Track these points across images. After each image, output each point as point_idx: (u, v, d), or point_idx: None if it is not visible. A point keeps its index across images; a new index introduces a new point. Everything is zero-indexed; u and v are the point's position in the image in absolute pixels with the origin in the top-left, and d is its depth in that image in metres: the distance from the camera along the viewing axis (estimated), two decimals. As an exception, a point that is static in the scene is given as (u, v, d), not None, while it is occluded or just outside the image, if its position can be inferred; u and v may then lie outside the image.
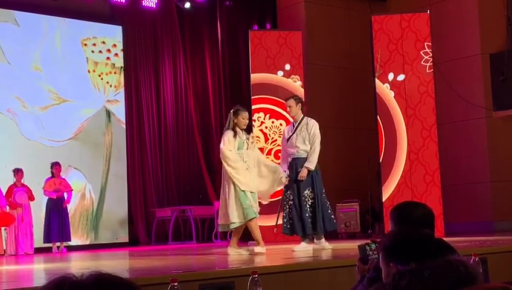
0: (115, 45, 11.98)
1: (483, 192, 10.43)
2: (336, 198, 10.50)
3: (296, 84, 10.22)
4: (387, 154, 9.24)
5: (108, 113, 11.79)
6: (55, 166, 10.22)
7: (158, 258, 6.97)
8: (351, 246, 5.69)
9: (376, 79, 9.39)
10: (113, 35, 11.93)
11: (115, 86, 11.90)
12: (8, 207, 9.84)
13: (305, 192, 7.12)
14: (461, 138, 10.66)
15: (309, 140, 7.20)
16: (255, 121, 10.12)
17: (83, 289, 1.01)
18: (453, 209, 9.79)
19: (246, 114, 6.90)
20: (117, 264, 6.83)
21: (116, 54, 11.99)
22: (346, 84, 11.38)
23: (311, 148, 7.18)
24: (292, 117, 7.47)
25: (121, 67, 11.97)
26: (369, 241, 2.99)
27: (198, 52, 11.83)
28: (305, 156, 7.16)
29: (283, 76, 10.22)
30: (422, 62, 9.36)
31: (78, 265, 6.98)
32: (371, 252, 2.93)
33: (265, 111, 10.16)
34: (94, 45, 11.82)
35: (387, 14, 9.86)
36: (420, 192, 9.06)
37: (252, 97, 10.19)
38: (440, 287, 1.74)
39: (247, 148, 6.84)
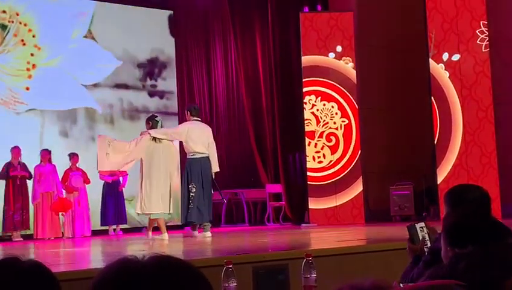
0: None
1: (542, 173, 10.13)
2: (389, 180, 10.39)
3: (347, 66, 10.12)
4: (442, 135, 9.08)
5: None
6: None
7: (211, 241, 7.04)
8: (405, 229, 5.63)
9: (430, 59, 9.21)
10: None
11: None
12: (64, 192, 10.08)
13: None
14: (519, 118, 10.36)
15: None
16: (306, 103, 10.08)
17: (145, 271, 1.02)
18: (510, 191, 9.55)
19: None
20: (171, 247, 6.92)
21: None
22: (398, 64, 11.18)
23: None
24: None
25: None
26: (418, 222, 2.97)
27: (249, 36, 11.80)
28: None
29: (334, 58, 10.12)
30: (478, 41, 9.13)
31: (134, 248, 7.11)
32: (420, 230, 2.89)
33: (317, 93, 10.09)
34: None
35: (441, -7, 9.64)
36: (476, 174, 8.88)
37: (303, 80, 10.14)
38: (499, 271, 1.71)
39: None
